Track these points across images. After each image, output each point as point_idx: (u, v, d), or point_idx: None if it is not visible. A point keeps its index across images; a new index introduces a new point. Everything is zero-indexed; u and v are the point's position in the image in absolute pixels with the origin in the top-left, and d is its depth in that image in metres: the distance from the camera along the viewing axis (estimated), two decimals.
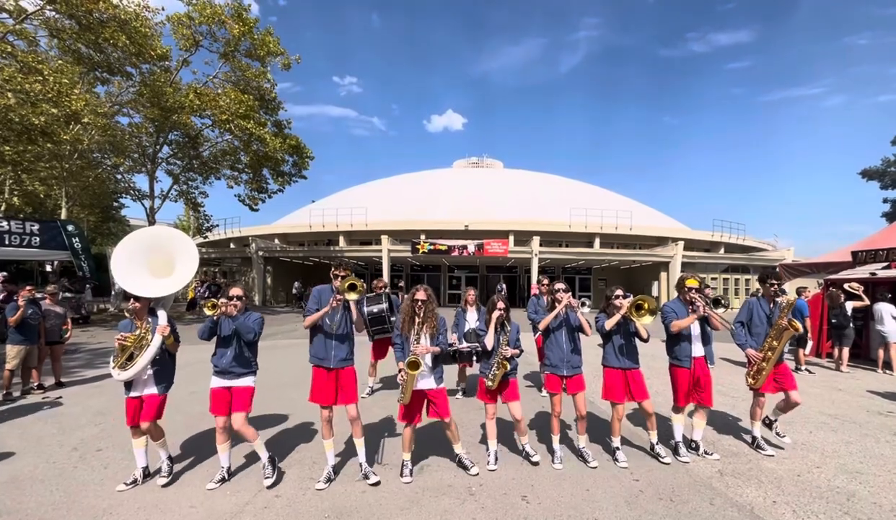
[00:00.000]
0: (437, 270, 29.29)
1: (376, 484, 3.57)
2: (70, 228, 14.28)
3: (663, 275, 24.79)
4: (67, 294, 14.33)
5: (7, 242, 12.59)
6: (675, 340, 4.18)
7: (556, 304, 4.06)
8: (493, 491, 3.51)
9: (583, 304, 4.16)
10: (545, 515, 3.17)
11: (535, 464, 3.96)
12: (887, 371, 8.23)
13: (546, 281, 6.54)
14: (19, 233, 12.95)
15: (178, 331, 3.79)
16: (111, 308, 18.56)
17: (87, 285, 16.38)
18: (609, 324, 3.95)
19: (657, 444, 4.15)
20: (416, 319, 3.64)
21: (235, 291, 3.68)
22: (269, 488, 3.50)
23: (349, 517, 3.13)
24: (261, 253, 25.31)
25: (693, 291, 4.08)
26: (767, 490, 3.55)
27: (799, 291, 8.79)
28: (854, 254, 10.04)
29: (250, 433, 3.61)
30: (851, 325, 8.54)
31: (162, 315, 3.66)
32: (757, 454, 4.25)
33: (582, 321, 4.03)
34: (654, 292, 24.68)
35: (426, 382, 3.68)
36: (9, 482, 3.62)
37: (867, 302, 8.61)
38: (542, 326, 4.16)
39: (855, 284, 8.96)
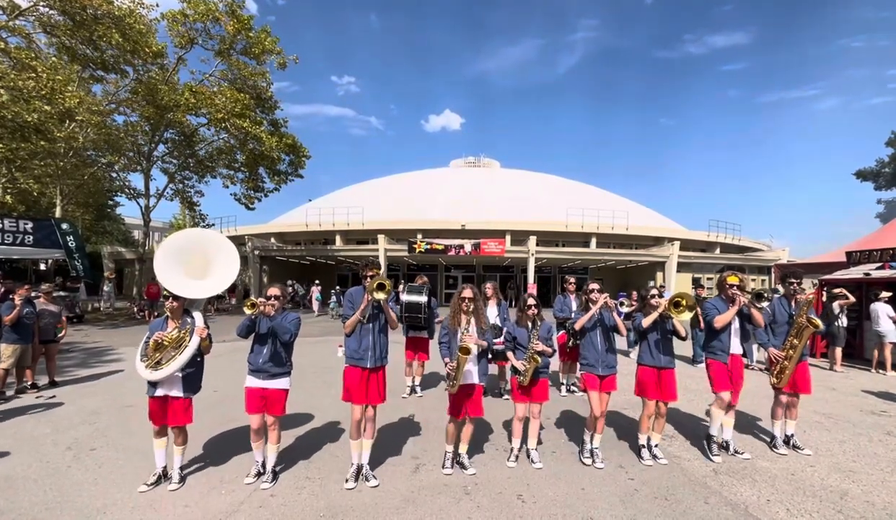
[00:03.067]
0: (434, 269, 29.25)
1: (375, 487, 3.56)
2: (64, 226, 14.20)
3: (659, 275, 24.86)
4: (62, 293, 14.25)
5: (0, 241, 12.51)
6: (714, 335, 4.17)
7: (591, 304, 4.06)
8: (489, 490, 3.51)
9: (622, 304, 4.12)
10: (540, 513, 3.18)
11: (538, 466, 3.95)
12: (881, 371, 8.29)
13: (573, 280, 6.62)
14: (13, 231, 12.87)
15: (211, 334, 3.72)
16: (103, 307, 18.46)
17: (83, 284, 16.32)
18: (646, 322, 3.97)
19: (656, 446, 4.15)
20: (464, 316, 3.71)
21: (273, 290, 3.66)
22: (254, 492, 3.47)
23: (344, 516, 3.12)
24: (257, 252, 25.22)
25: (734, 287, 4.10)
26: (761, 489, 3.57)
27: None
28: (848, 254, 10.13)
29: (275, 436, 3.64)
30: (837, 324, 8.55)
31: (198, 317, 3.64)
32: (752, 453, 4.27)
33: (617, 321, 4.04)
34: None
35: (471, 376, 3.73)
36: (2, 482, 3.59)
37: (852, 299, 8.61)
38: (577, 326, 4.13)
39: (837, 290, 8.96)
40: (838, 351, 8.56)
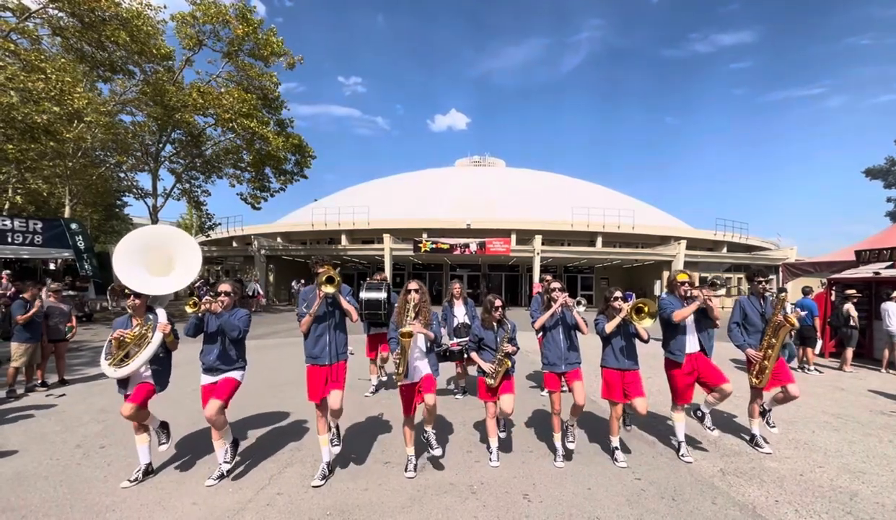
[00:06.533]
0: (439, 268, 29.28)
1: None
2: (73, 226, 14.36)
3: (665, 274, 24.73)
4: (71, 292, 14.38)
5: (10, 241, 12.66)
6: (672, 334, 4.17)
7: (552, 303, 4.06)
8: (495, 489, 3.51)
9: (578, 303, 4.13)
10: (546, 513, 3.17)
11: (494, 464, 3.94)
12: (891, 371, 8.20)
13: (549, 278, 6.60)
14: (22, 231, 13.03)
15: (176, 329, 3.75)
16: (109, 307, 18.59)
17: (92, 283, 16.46)
18: (609, 327, 3.95)
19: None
20: (411, 311, 3.68)
21: (224, 287, 3.66)
22: (207, 487, 3.47)
23: (351, 515, 3.13)
24: (263, 252, 25.35)
25: (685, 284, 4.13)
26: (770, 489, 3.55)
27: (805, 291, 8.77)
28: (858, 253, 9.99)
29: (220, 422, 3.52)
30: (850, 324, 8.48)
31: (161, 313, 3.64)
32: (759, 454, 4.25)
33: (578, 320, 4.04)
34: (657, 291, 24.62)
35: (421, 367, 3.70)
36: (13, 479, 3.63)
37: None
38: (537, 325, 4.18)
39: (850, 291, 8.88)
40: (849, 352, 8.46)
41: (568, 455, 4.08)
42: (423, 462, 3.98)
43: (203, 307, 3.45)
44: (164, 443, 3.86)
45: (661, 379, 6.73)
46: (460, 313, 5.92)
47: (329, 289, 3.49)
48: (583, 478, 3.72)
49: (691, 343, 4.16)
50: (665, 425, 4.98)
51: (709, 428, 4.28)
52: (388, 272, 22.96)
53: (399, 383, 3.72)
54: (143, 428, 3.63)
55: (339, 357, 3.75)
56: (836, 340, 9.18)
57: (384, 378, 6.71)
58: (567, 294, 4.09)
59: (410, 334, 3.48)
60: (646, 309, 3.77)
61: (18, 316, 6.26)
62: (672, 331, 4.17)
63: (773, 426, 4.50)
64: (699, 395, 4.27)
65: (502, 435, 4.12)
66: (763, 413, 4.52)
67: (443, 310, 6.10)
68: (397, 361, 3.59)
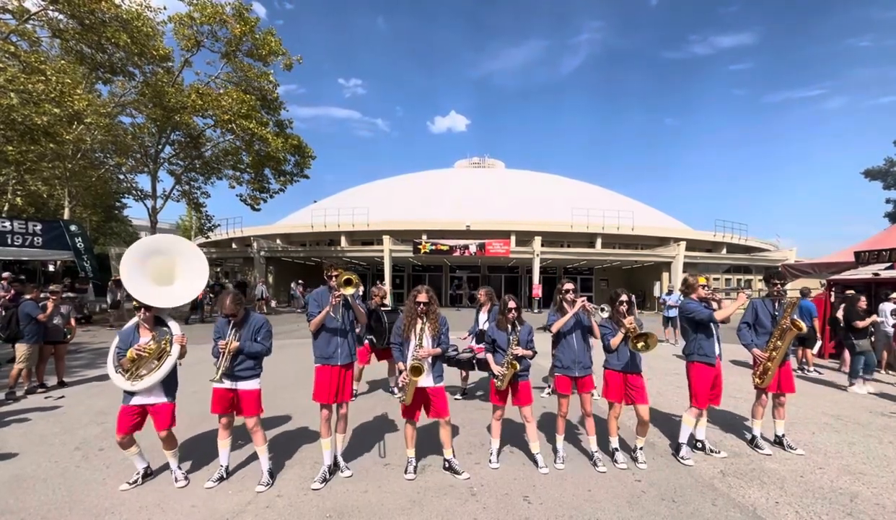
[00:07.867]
0: (439, 270, 29.25)
1: (349, 476, 3.68)
2: (73, 228, 14.34)
3: (665, 275, 24.73)
4: (70, 294, 14.36)
5: (10, 242, 12.66)
6: (703, 338, 4.15)
7: (566, 306, 4.05)
8: (495, 491, 3.50)
9: (602, 310, 4.10)
10: (547, 515, 3.17)
11: (544, 470, 3.91)
12: (890, 372, 8.19)
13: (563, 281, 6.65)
14: (22, 233, 13.02)
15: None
16: (113, 302, 18.55)
17: (91, 285, 16.42)
18: (615, 343, 3.95)
19: (640, 449, 4.10)
20: (419, 321, 3.66)
21: (229, 308, 3.58)
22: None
23: (350, 517, 3.13)
24: (263, 253, 25.32)
25: (705, 287, 4.20)
26: (770, 491, 3.54)
27: (804, 292, 8.77)
28: (857, 254, 10.01)
29: (260, 437, 3.63)
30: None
31: (174, 325, 3.64)
32: (759, 455, 4.24)
33: (593, 325, 4.04)
34: (656, 293, 24.61)
35: (425, 381, 3.68)
36: (12, 481, 3.63)
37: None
38: (554, 329, 4.16)
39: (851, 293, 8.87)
40: (847, 353, 8.45)
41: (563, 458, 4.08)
42: (424, 464, 3.97)
43: (224, 366, 3.47)
44: (181, 480, 3.64)
45: (659, 381, 6.74)
46: (482, 320, 5.84)
47: (349, 290, 3.56)
48: (583, 480, 3.72)
49: (717, 347, 4.18)
50: (664, 426, 4.98)
51: (712, 450, 4.28)
52: (387, 274, 22.96)
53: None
54: (130, 442, 3.54)
55: (351, 357, 3.82)
56: (836, 340, 9.18)
57: (366, 388, 6.67)
58: (585, 299, 4.10)
59: (420, 371, 3.47)
60: (649, 342, 3.72)
61: (40, 315, 6.37)
62: (704, 333, 4.14)
63: (795, 448, 4.37)
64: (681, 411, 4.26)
65: (539, 457, 4.03)
66: (779, 441, 4.45)
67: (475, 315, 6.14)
68: (404, 385, 3.61)
